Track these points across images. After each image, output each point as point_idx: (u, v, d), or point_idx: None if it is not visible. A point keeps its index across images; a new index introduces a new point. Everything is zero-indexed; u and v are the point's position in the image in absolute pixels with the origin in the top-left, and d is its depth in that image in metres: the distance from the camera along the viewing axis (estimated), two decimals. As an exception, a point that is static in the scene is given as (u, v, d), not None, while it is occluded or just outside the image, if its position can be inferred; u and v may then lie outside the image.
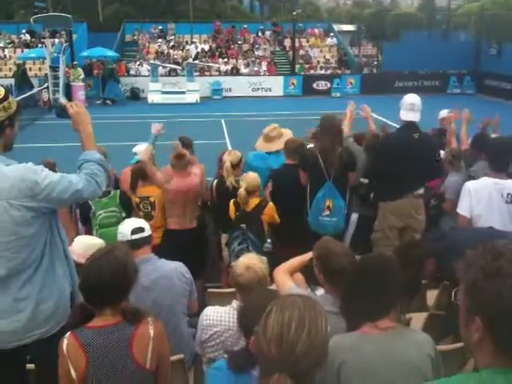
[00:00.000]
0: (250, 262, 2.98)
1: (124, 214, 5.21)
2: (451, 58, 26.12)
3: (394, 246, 5.08)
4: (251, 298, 2.48)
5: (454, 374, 2.23)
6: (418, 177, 5.10)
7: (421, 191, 5.12)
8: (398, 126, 5.34)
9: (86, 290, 2.44)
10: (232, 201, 4.91)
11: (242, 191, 4.75)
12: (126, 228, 3.50)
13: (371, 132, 5.88)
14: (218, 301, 3.75)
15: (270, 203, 4.83)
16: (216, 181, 5.38)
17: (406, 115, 4.99)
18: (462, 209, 4.50)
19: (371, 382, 2.10)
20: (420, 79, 26.72)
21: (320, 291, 2.92)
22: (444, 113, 6.93)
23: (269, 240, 4.75)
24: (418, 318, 3.59)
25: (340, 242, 3.04)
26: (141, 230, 3.49)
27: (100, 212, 5.17)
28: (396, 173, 4.96)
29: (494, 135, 6.28)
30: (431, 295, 4.48)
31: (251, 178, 4.80)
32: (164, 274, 3.41)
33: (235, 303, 2.98)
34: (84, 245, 3.65)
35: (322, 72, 28.28)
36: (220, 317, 2.94)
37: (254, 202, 4.80)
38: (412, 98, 5.04)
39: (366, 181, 5.32)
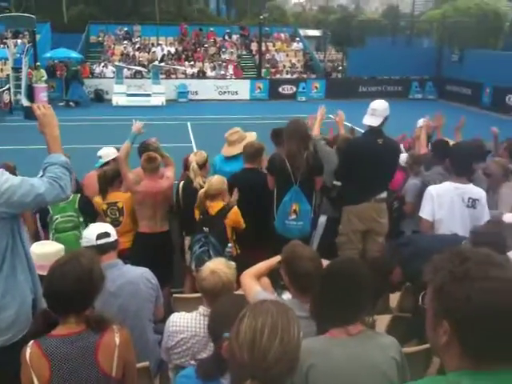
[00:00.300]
0: (215, 266, 2.96)
1: (82, 219, 5.12)
2: (414, 64, 26.70)
3: (357, 250, 5.19)
4: (221, 304, 2.47)
5: (420, 376, 2.27)
6: (382, 181, 5.17)
7: (384, 195, 5.20)
8: (363, 131, 5.42)
9: (49, 297, 2.39)
10: (196, 204, 4.86)
11: (200, 193, 4.71)
12: (91, 233, 3.44)
13: (342, 136, 5.95)
14: (184, 306, 3.72)
15: (235, 208, 4.77)
16: (182, 182, 5.31)
17: (366, 119, 5.08)
18: (425, 213, 4.60)
19: None
20: (383, 84, 27.20)
21: (287, 295, 2.93)
22: (421, 121, 7.03)
23: (229, 245, 4.68)
24: (382, 320, 3.65)
25: (308, 247, 3.06)
26: (106, 235, 3.44)
27: (57, 216, 5.06)
28: (360, 177, 5.03)
29: (452, 140, 6.44)
30: (394, 297, 4.56)
31: (214, 181, 4.76)
32: (130, 279, 3.37)
33: (202, 309, 2.96)
34: (35, 256, 3.46)
35: (288, 76, 28.48)
36: (186, 323, 2.92)
37: (218, 205, 4.73)
38: (374, 104, 5.11)
39: (338, 183, 5.35)
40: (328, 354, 2.15)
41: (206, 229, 4.71)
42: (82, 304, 2.38)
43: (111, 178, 5.14)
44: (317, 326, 2.37)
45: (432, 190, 4.64)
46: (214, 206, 4.73)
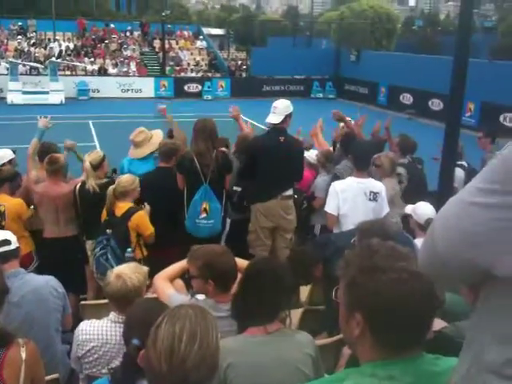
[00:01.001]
0: (121, 271, 2.86)
1: None
2: (314, 64, 27.58)
3: (266, 246, 5.30)
4: (134, 308, 2.41)
5: (331, 368, 2.36)
6: (287, 178, 5.28)
7: (290, 192, 5.32)
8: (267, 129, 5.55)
9: None
10: (106, 204, 4.65)
11: (109, 192, 4.53)
12: (-11, 242, 3.23)
13: (241, 135, 6.01)
14: (93, 313, 3.60)
15: (141, 212, 4.59)
16: (79, 184, 5.07)
17: (268, 118, 5.22)
18: (330, 208, 4.79)
19: (257, 383, 2.15)
20: (286, 84, 27.83)
21: (201, 296, 2.92)
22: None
23: (129, 249, 4.50)
24: (294, 314, 3.74)
25: (217, 245, 3.06)
26: (6, 242, 3.25)
27: None
28: (264, 174, 5.12)
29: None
30: (304, 291, 4.70)
31: (123, 179, 4.60)
32: (34, 288, 3.21)
33: (113, 315, 2.87)
34: None
35: (193, 75, 28.33)
36: (96, 331, 2.81)
37: (124, 207, 4.55)
38: (276, 102, 5.26)
39: (238, 189, 5.41)
40: (246, 353, 2.18)
41: (109, 231, 4.54)
42: None
43: None
44: (237, 325, 2.39)
45: (336, 185, 4.84)
46: (121, 207, 4.55)
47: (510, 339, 0.93)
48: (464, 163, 6.36)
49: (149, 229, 4.60)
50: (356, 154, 5.02)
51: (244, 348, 2.20)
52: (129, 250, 4.50)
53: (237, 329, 2.39)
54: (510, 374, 0.93)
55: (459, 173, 6.02)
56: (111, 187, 4.56)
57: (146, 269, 3.00)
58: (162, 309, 2.23)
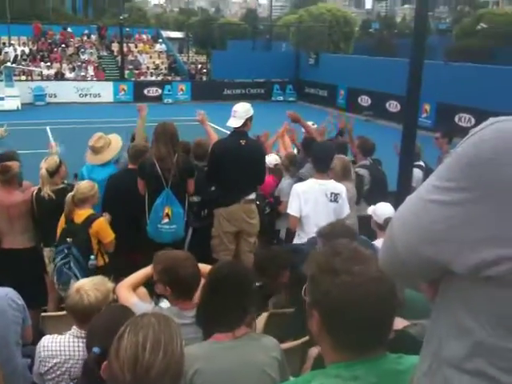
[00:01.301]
0: (81, 286, 2.81)
1: None
2: (274, 67, 27.75)
3: (230, 251, 5.29)
4: (97, 317, 2.37)
5: (297, 371, 2.37)
6: (249, 182, 5.29)
7: (252, 196, 5.33)
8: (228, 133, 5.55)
9: None
10: (64, 211, 4.54)
11: (68, 199, 4.44)
12: None
13: (196, 141, 5.96)
14: (53, 326, 3.52)
15: (101, 218, 4.52)
16: (35, 192, 4.94)
17: (229, 121, 5.24)
18: (293, 209, 4.82)
19: None
20: (247, 87, 27.92)
21: (165, 303, 2.89)
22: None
23: (92, 256, 4.43)
24: (259, 319, 3.74)
25: (181, 251, 3.04)
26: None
27: None
28: (226, 178, 5.12)
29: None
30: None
31: (82, 186, 4.52)
32: (-9, 301, 3.10)
33: (74, 329, 2.80)
34: None
35: (153, 78, 28.07)
36: (59, 346, 2.74)
37: (84, 214, 4.47)
38: (236, 106, 5.27)
39: (197, 199, 5.39)
40: (212, 358, 2.17)
41: (69, 239, 4.43)
42: None
43: None
44: (203, 331, 2.38)
45: (297, 187, 4.87)
46: (81, 214, 4.47)
47: (467, 332, 0.94)
48: (422, 163, 6.51)
49: (110, 235, 4.54)
50: (316, 156, 5.07)
51: (210, 354, 2.19)
52: (92, 257, 4.43)
53: (202, 335, 2.38)
54: (470, 368, 0.93)
55: (417, 173, 6.15)
56: (70, 194, 4.46)
57: (110, 286, 2.91)
58: (125, 316, 2.19)
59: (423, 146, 6.78)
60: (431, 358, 1.04)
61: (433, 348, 1.04)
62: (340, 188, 4.90)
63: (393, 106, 21.47)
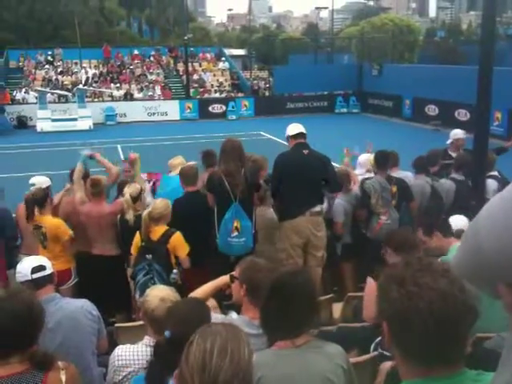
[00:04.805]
0: (162, 293, 2.91)
1: None
2: (337, 80, 27.57)
3: (298, 265, 5.25)
4: (178, 305, 2.57)
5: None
6: (313, 193, 5.26)
7: (318, 208, 5.27)
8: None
9: None
10: (138, 231, 4.73)
11: (144, 215, 4.60)
12: (26, 267, 3.29)
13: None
14: (127, 336, 3.63)
15: (177, 233, 4.66)
16: (119, 215, 5.25)
17: (294, 129, 5.33)
18: None
19: None
20: (309, 100, 27.88)
21: (234, 314, 2.92)
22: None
23: (175, 270, 4.57)
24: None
25: (270, 263, 3.06)
26: (41, 268, 3.30)
27: None
28: (290, 190, 5.13)
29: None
30: (337, 308, 4.65)
31: (159, 204, 4.69)
32: (69, 313, 3.23)
33: (147, 339, 2.88)
34: None
35: (217, 95, 28.63)
36: (132, 356, 2.82)
37: (160, 230, 4.64)
38: (291, 126, 5.42)
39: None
40: (275, 366, 2.18)
41: (148, 256, 4.57)
42: (25, 341, 2.28)
43: (40, 200, 5.07)
44: (267, 338, 2.39)
45: None
46: (157, 231, 4.62)
47: None
48: (496, 173, 6.25)
49: (186, 249, 4.68)
50: None
51: (272, 361, 2.20)
52: (174, 271, 4.56)
53: (267, 342, 2.39)
54: None
55: (492, 184, 5.92)
56: (145, 212, 4.63)
57: (173, 288, 3.10)
58: (200, 309, 2.45)
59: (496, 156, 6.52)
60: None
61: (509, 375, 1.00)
62: None
63: (462, 115, 20.77)
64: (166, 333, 2.29)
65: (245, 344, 1.60)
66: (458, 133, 7.23)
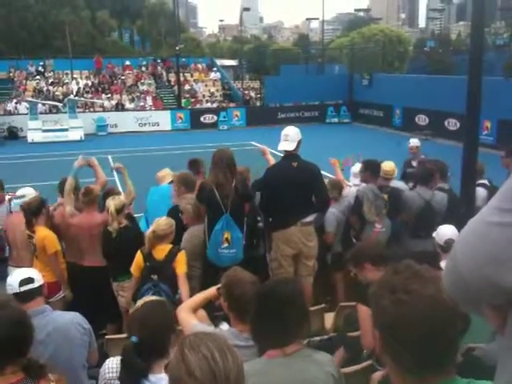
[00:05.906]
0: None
1: None
2: (328, 90, 27.75)
3: (289, 274, 5.24)
4: (138, 310, 2.56)
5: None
6: (303, 204, 5.25)
7: (310, 219, 5.28)
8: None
9: None
10: (140, 249, 4.57)
11: (149, 233, 4.47)
12: (14, 280, 3.25)
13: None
14: (118, 348, 3.59)
15: (183, 251, 4.52)
16: (103, 228, 5.15)
17: (281, 145, 5.28)
18: None
19: None
20: (301, 110, 28.03)
21: (224, 326, 2.90)
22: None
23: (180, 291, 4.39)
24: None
25: (249, 274, 3.05)
26: (30, 280, 3.26)
27: None
28: (280, 201, 5.13)
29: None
30: (329, 317, 4.65)
31: (163, 222, 4.54)
32: (59, 326, 3.20)
33: None
34: None
35: (209, 105, 28.69)
36: None
37: (166, 249, 4.47)
38: (286, 130, 5.33)
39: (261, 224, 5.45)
40: (266, 374, 2.17)
41: (154, 276, 4.41)
42: (19, 351, 2.26)
43: (35, 210, 5.05)
44: (258, 347, 2.38)
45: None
46: (162, 250, 4.46)
47: None
48: (485, 181, 6.27)
49: (185, 267, 4.50)
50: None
51: (263, 370, 2.20)
52: (179, 291, 4.38)
53: (257, 351, 2.38)
54: None
55: (481, 192, 5.93)
56: (149, 231, 4.51)
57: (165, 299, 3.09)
58: (160, 310, 2.51)
59: (487, 165, 6.54)
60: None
61: (508, 377, 0.99)
62: None
63: (452, 124, 20.94)
64: (133, 338, 2.32)
65: (232, 348, 1.57)
66: (411, 141, 8.23)
